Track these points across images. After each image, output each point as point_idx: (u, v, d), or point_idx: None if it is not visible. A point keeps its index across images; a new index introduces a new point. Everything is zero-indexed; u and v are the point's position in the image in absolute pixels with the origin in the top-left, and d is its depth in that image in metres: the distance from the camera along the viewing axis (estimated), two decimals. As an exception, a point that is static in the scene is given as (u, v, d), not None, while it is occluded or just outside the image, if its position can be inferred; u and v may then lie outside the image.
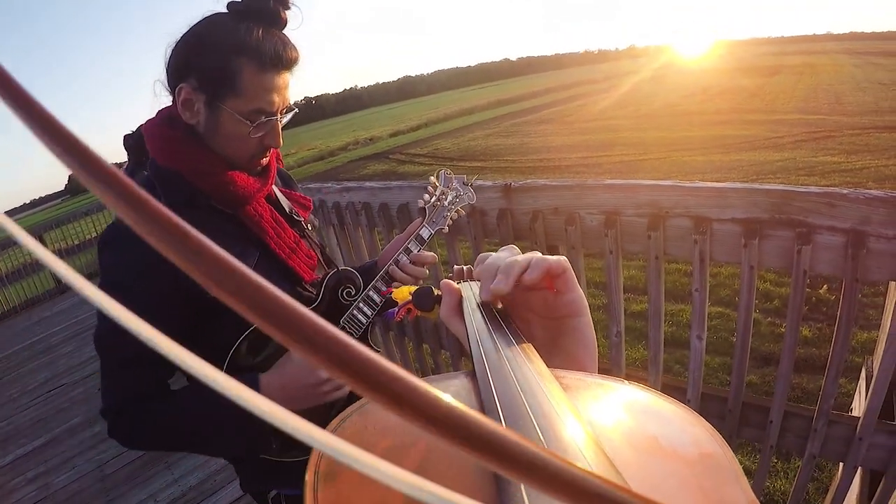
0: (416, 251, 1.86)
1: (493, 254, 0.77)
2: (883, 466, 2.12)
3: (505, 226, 2.71)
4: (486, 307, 0.73)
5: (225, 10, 1.46)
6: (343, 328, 1.69)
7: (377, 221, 3.34)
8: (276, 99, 1.48)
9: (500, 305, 0.76)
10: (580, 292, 0.74)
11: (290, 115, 1.60)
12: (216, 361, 1.53)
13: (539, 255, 0.71)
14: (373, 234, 3.49)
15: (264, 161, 1.61)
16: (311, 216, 1.96)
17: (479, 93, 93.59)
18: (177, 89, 1.44)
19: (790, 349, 2.18)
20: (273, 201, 1.73)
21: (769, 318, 6.10)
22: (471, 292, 0.81)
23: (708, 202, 2.14)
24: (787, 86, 38.04)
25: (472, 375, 0.54)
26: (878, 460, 2.12)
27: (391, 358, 3.75)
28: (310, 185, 3.91)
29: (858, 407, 2.62)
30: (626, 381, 0.53)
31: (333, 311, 1.74)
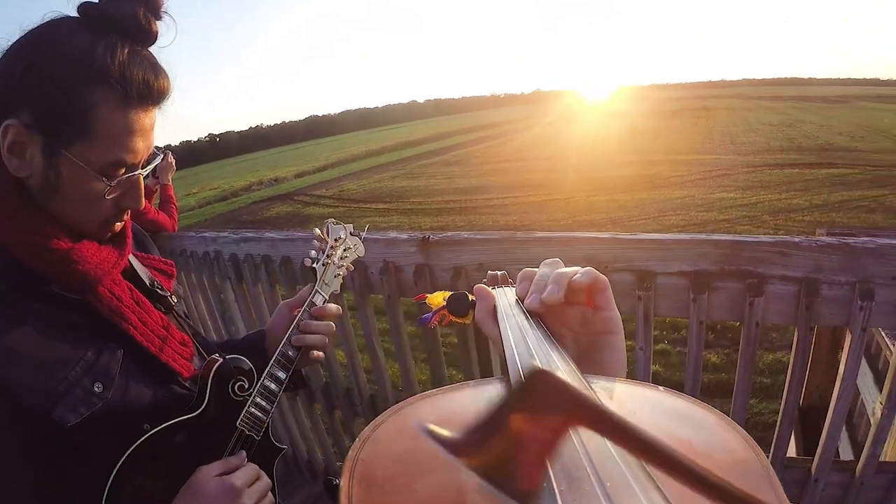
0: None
1: (536, 269, 0.77)
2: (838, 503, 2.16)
3: (423, 283, 2.49)
4: (521, 312, 0.71)
5: (76, 15, 1.08)
6: (242, 432, 1.36)
7: (279, 277, 3.03)
8: (141, 145, 1.11)
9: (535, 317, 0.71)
10: (617, 311, 0.74)
11: (155, 163, 1.23)
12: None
13: (590, 268, 0.71)
14: (274, 290, 3.15)
15: (118, 226, 1.23)
16: (176, 284, 1.55)
17: (387, 134, 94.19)
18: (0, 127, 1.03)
19: (741, 405, 2.16)
20: (130, 274, 1.34)
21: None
22: (505, 298, 0.79)
23: (651, 255, 2.04)
24: (685, 128, 39.67)
25: (507, 381, 0.53)
26: (833, 498, 2.16)
27: (300, 427, 3.52)
28: (205, 234, 3.55)
29: (794, 446, 2.62)
30: (660, 388, 0.54)
31: (226, 411, 1.36)
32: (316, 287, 1.58)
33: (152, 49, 1.14)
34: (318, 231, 1.67)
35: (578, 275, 0.69)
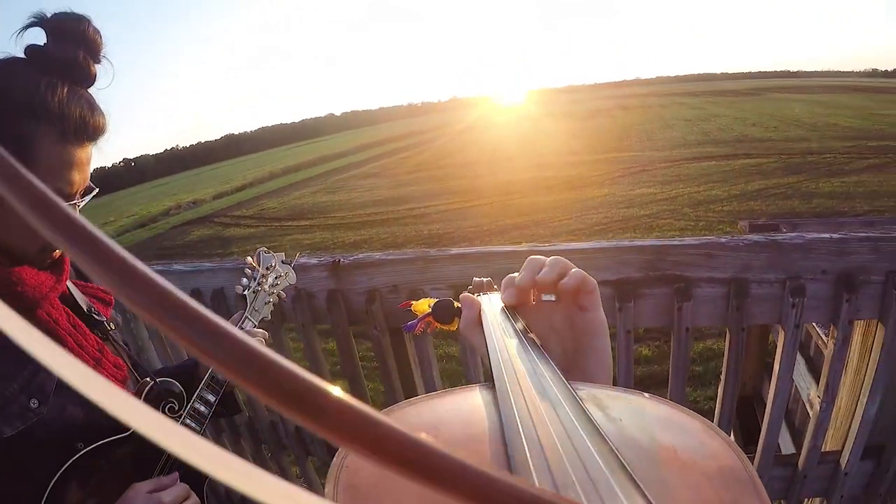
0: None
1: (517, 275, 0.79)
2: (783, 496, 2.21)
3: (337, 309, 2.40)
4: (506, 319, 0.73)
5: (22, 56, 1.16)
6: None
7: None
8: (77, 178, 1.20)
9: (521, 323, 0.73)
10: (603, 313, 0.75)
11: (89, 198, 1.29)
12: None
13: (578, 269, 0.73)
14: None
15: (56, 253, 1.30)
16: (115, 312, 1.62)
17: (305, 149, 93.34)
18: None
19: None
20: (68, 300, 1.41)
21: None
22: (491, 305, 0.80)
23: (576, 265, 1.95)
24: (602, 128, 40.27)
25: (492, 387, 0.54)
26: (777, 492, 2.20)
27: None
28: None
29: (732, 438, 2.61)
30: (645, 394, 0.54)
31: None
32: (246, 314, 1.66)
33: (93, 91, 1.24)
34: (250, 259, 1.76)
35: (567, 277, 0.72)
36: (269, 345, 1.73)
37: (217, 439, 3.27)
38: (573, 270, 0.73)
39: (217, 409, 1.57)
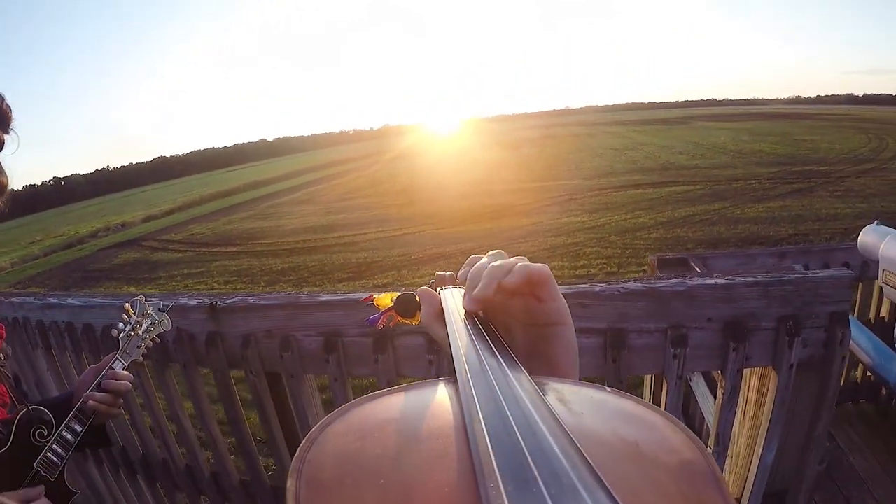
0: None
1: (481, 258, 0.77)
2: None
3: (215, 352, 2.33)
4: (468, 313, 0.71)
5: None
6: (38, 472, 1.54)
7: (83, 345, 2.79)
8: None
9: (481, 312, 0.73)
10: (563, 301, 0.73)
11: None
12: None
13: (525, 260, 0.71)
14: (81, 358, 2.88)
15: None
16: (5, 345, 1.73)
17: (236, 174, 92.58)
18: None
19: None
20: None
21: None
22: (453, 300, 0.79)
23: None
24: (531, 157, 40.56)
25: (454, 381, 0.54)
26: None
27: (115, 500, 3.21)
28: (12, 299, 3.26)
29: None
30: (607, 389, 0.54)
31: (25, 453, 1.54)
32: (117, 355, 1.74)
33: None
34: (127, 306, 1.82)
35: (510, 275, 0.68)
36: (134, 387, 1.83)
37: (115, 474, 3.20)
38: (517, 267, 0.69)
39: (87, 440, 1.66)
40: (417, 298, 0.89)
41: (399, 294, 0.96)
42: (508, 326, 0.76)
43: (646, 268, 4.07)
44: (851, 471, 3.72)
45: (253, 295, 2.25)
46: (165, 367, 2.60)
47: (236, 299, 2.28)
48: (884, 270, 3.21)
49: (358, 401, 0.51)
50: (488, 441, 0.39)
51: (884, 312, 4.26)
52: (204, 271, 16.86)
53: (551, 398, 0.50)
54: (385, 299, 1.00)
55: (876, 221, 3.44)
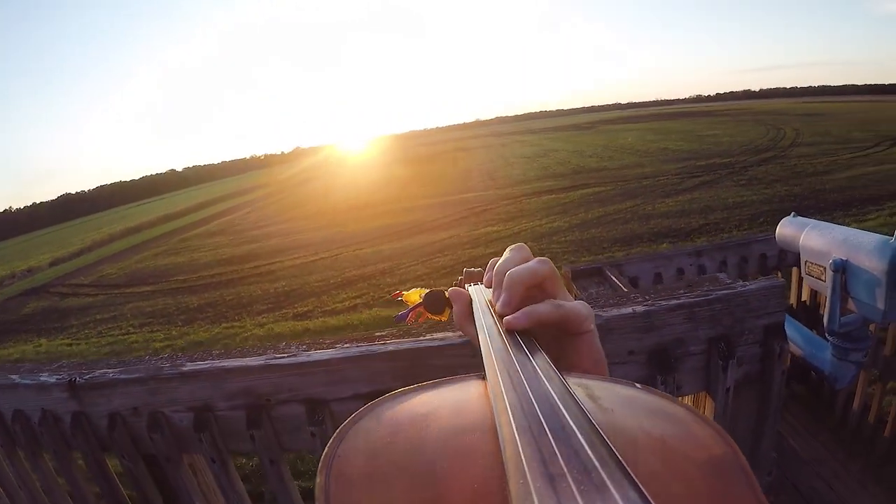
0: None
1: (500, 259, 0.77)
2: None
3: (82, 435, 2.00)
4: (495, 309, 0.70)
5: None
6: None
7: None
8: None
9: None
10: (585, 307, 0.71)
11: None
12: None
13: (548, 263, 0.72)
14: None
15: None
16: None
17: (146, 208, 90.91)
18: None
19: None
20: None
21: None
22: (482, 296, 0.79)
23: (317, 379, 1.70)
24: (444, 171, 40.88)
25: (483, 377, 0.54)
26: None
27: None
28: None
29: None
30: (636, 385, 0.54)
31: None
32: None
33: None
34: None
35: (544, 313, 0.67)
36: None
37: None
38: (516, 270, 0.70)
39: None
40: (447, 294, 0.89)
41: (428, 290, 0.98)
42: (535, 332, 0.69)
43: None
44: (794, 453, 3.77)
45: (115, 367, 1.97)
46: (38, 454, 2.25)
47: (96, 373, 1.96)
48: (806, 262, 3.24)
49: (387, 396, 0.52)
50: (517, 436, 0.39)
51: (805, 296, 4.38)
52: (117, 315, 16.23)
53: (581, 394, 0.49)
54: (414, 295, 1.03)
55: (793, 213, 3.48)
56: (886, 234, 2.86)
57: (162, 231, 41.27)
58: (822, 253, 3.07)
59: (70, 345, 13.51)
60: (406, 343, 1.66)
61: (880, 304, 2.76)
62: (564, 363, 0.69)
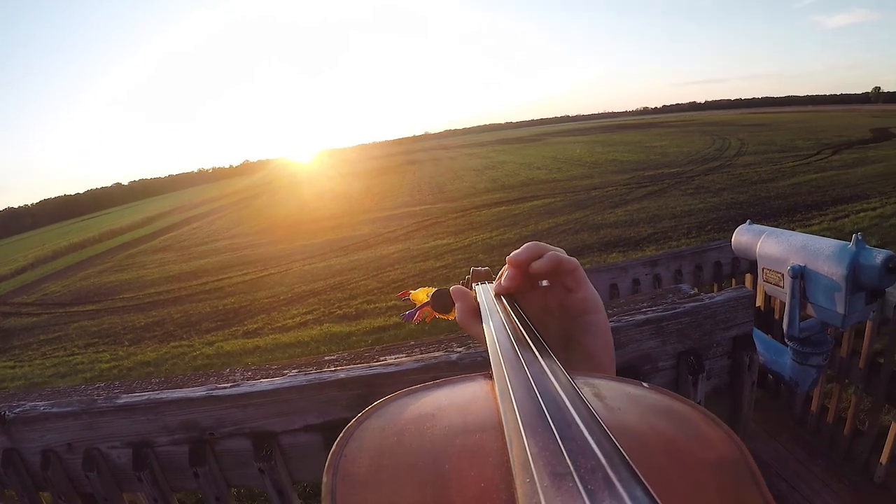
0: None
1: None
2: None
3: (15, 474, 1.83)
4: (503, 309, 0.71)
5: None
6: None
7: None
8: None
9: (514, 303, 0.73)
10: (593, 291, 0.74)
11: None
12: None
13: (561, 252, 0.73)
14: None
15: None
16: None
17: (91, 223, 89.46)
18: None
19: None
20: None
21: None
22: (489, 295, 0.79)
23: (265, 411, 1.60)
24: (393, 184, 41.02)
25: (490, 376, 0.54)
26: None
27: None
28: None
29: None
30: (644, 384, 0.54)
31: None
32: None
33: None
34: None
35: (539, 260, 0.71)
36: None
37: None
38: (548, 253, 0.72)
39: None
40: (451, 292, 0.87)
41: (436, 290, 0.97)
42: (543, 322, 0.76)
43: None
44: (755, 456, 3.73)
45: (46, 399, 1.84)
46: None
47: (26, 406, 1.80)
48: (763, 269, 3.26)
49: (393, 396, 0.51)
50: (524, 435, 0.38)
51: (759, 302, 4.40)
52: (62, 335, 15.82)
53: (587, 393, 0.50)
54: (421, 294, 1.04)
55: (748, 221, 3.51)
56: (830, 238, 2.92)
57: (108, 247, 40.60)
58: (780, 259, 3.10)
59: (13, 367, 13.13)
60: (358, 369, 1.58)
61: (840, 309, 2.80)
62: (576, 348, 0.74)
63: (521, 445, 0.37)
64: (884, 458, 3.51)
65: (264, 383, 1.61)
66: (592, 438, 0.36)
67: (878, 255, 2.62)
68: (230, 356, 10.56)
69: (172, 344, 12.15)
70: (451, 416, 0.47)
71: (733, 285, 4.40)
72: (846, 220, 14.50)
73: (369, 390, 1.55)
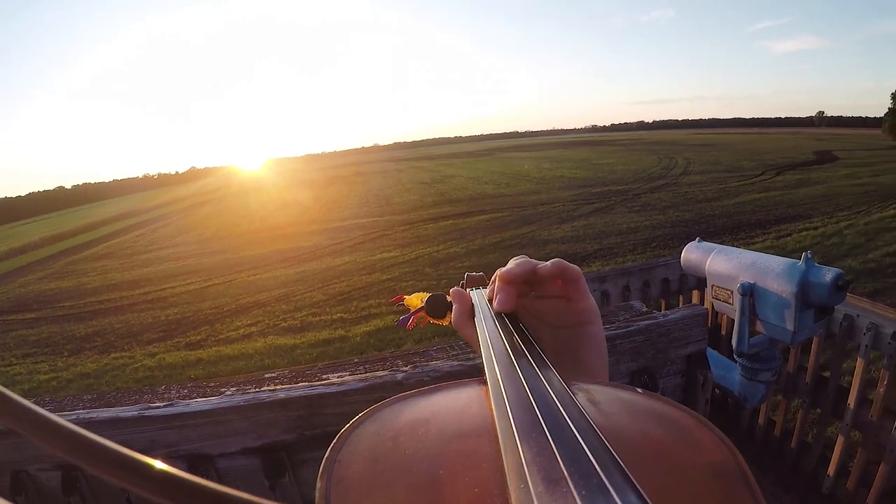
0: None
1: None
2: None
3: None
4: (497, 313, 0.72)
5: None
6: None
7: None
8: None
9: (513, 317, 0.72)
10: (593, 301, 0.74)
11: None
12: None
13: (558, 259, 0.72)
14: None
15: None
16: None
17: (31, 228, 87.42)
18: None
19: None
20: None
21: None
22: (484, 299, 0.79)
23: (201, 432, 1.52)
24: (340, 195, 40.94)
25: (484, 382, 0.54)
26: None
27: None
28: None
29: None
30: (637, 390, 0.54)
31: None
32: None
33: None
34: None
35: (543, 264, 0.71)
36: None
37: None
38: (554, 259, 0.71)
39: None
40: (448, 298, 0.88)
41: (430, 295, 0.97)
42: (538, 329, 0.74)
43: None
44: None
45: None
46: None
47: None
48: (712, 286, 3.27)
49: (388, 401, 0.51)
50: (518, 440, 0.39)
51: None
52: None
53: (581, 398, 0.50)
54: (415, 300, 1.02)
55: (697, 238, 3.53)
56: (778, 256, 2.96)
57: (48, 253, 39.66)
58: (730, 277, 3.12)
59: (-56, 378, 12.82)
60: (299, 389, 1.53)
61: (790, 326, 2.83)
62: (571, 359, 0.73)
63: (515, 451, 0.38)
64: (831, 470, 3.57)
65: (200, 403, 1.55)
66: (586, 444, 0.37)
67: (828, 274, 2.66)
68: (172, 368, 10.39)
69: (113, 355, 11.90)
70: (445, 422, 0.48)
71: (681, 302, 4.50)
72: (789, 238, 14.96)
73: (311, 411, 1.51)
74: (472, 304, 0.80)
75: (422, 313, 0.97)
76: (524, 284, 0.75)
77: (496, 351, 0.58)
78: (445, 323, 0.94)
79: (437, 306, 0.95)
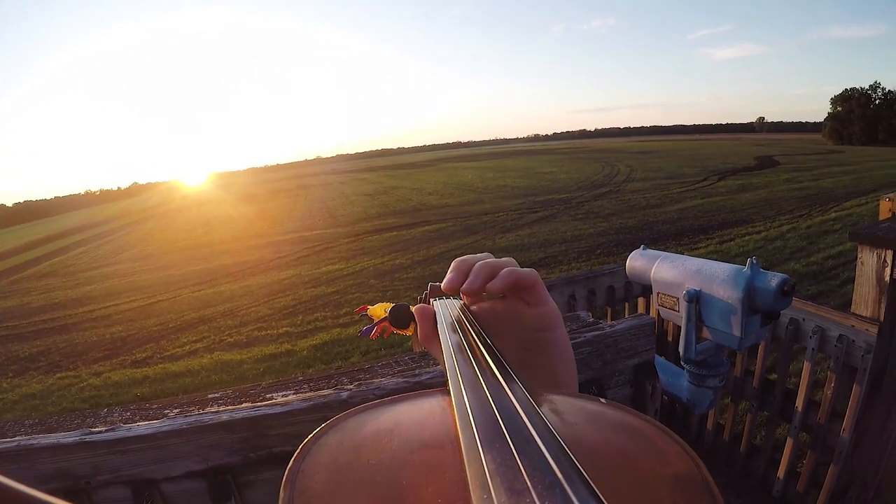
0: None
1: (470, 256, 0.77)
2: None
3: None
4: (461, 325, 0.71)
5: None
6: None
7: None
8: None
9: (472, 318, 0.73)
10: (553, 305, 0.73)
11: None
12: None
13: (514, 263, 0.74)
14: None
15: None
16: None
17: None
18: None
19: None
20: None
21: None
22: (447, 311, 0.79)
23: (144, 457, 1.48)
24: (284, 208, 40.76)
25: (448, 392, 0.54)
26: None
27: None
28: None
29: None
30: (601, 400, 0.54)
31: None
32: None
33: None
34: None
35: (496, 278, 0.70)
36: None
37: None
38: (503, 271, 0.70)
39: None
40: (412, 309, 0.88)
41: (394, 305, 0.97)
42: (500, 335, 0.72)
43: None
44: None
45: None
46: None
47: None
48: (658, 293, 3.25)
49: (351, 411, 0.52)
50: (481, 451, 0.39)
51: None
52: None
53: (545, 409, 0.51)
54: (378, 310, 1.02)
55: (642, 246, 3.50)
56: (716, 261, 3.00)
57: (-13, 273, 39.07)
58: (675, 284, 3.11)
59: None
60: (243, 411, 1.50)
61: (736, 332, 2.84)
62: (535, 365, 0.73)
63: (478, 461, 0.38)
64: (781, 473, 3.65)
65: (142, 427, 1.51)
66: (550, 454, 0.37)
67: (774, 279, 2.68)
68: (118, 386, 10.30)
69: (59, 375, 11.72)
70: (409, 432, 0.48)
71: (627, 310, 4.52)
72: (732, 243, 15.28)
73: (255, 433, 1.49)
74: (435, 318, 0.80)
75: (385, 324, 0.99)
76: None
77: (459, 361, 0.59)
78: (409, 332, 0.96)
79: (400, 317, 0.96)
